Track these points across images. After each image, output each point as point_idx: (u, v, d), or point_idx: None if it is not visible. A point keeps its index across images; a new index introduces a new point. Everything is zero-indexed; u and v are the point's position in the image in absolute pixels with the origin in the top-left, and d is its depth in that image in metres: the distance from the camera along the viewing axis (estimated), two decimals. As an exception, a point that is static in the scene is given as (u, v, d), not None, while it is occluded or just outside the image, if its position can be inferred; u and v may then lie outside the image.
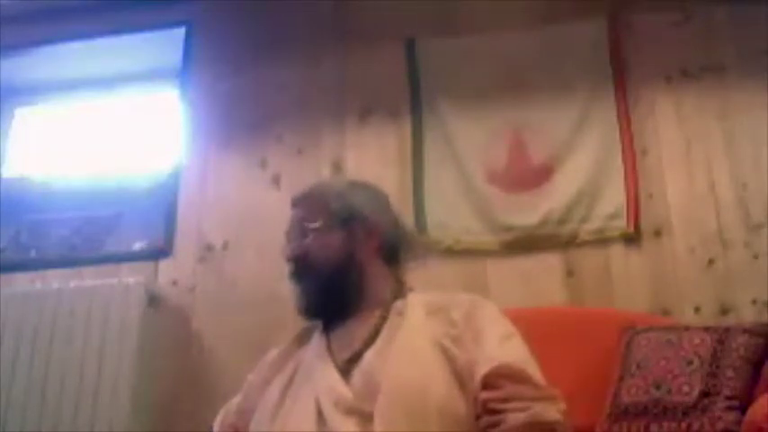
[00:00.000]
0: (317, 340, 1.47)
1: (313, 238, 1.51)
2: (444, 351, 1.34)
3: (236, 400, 1.51)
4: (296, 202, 1.61)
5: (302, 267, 1.51)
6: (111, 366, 2.60)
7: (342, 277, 1.48)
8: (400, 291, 1.51)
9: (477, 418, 1.28)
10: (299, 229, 1.54)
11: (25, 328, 2.70)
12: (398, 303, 1.46)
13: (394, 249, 1.54)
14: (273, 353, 1.55)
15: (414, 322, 1.41)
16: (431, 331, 1.39)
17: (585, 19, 2.84)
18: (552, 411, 1.26)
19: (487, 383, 1.29)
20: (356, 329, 1.43)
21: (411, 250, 1.57)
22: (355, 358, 1.37)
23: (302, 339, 1.53)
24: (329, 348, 1.43)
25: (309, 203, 1.58)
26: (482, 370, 1.30)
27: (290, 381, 1.42)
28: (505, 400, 1.26)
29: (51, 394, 2.59)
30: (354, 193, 1.57)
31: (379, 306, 1.46)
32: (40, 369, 2.63)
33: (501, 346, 1.35)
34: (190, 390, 2.67)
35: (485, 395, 1.28)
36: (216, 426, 1.51)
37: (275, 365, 1.49)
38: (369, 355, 1.36)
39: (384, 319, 1.43)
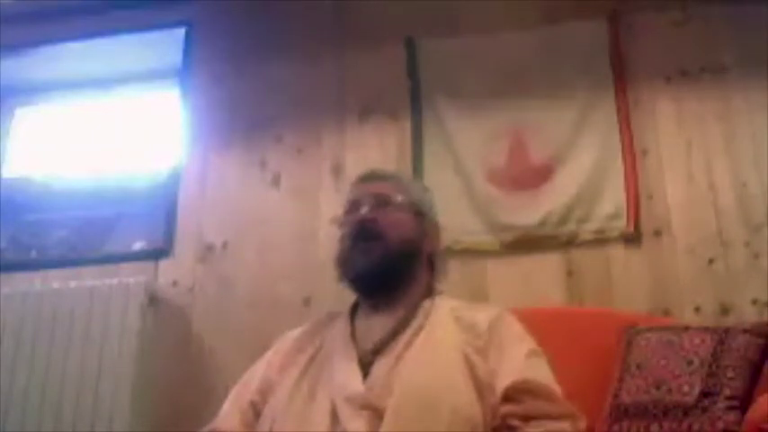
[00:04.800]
0: (342, 327, 1.48)
1: (393, 211, 1.53)
2: (466, 358, 1.34)
3: (255, 380, 1.50)
4: (378, 177, 1.63)
5: (373, 233, 1.50)
6: (111, 366, 2.60)
7: (404, 258, 1.50)
8: (430, 293, 1.53)
9: (495, 430, 1.27)
10: (376, 200, 1.54)
11: (25, 328, 2.69)
12: (426, 303, 1.47)
13: (437, 257, 1.59)
14: (294, 333, 1.55)
15: (438, 325, 1.42)
16: (454, 336, 1.39)
17: (585, 19, 2.84)
18: (568, 430, 1.26)
19: (508, 397, 1.29)
20: (383, 322, 1.44)
21: (444, 264, 1.62)
22: (378, 349, 1.38)
23: (325, 324, 1.53)
24: (353, 336, 1.43)
25: (395, 183, 1.61)
26: (504, 382, 1.30)
27: (309, 365, 1.42)
28: (526, 416, 1.26)
29: (51, 394, 2.59)
30: (428, 196, 1.67)
31: (409, 303, 1.47)
32: (40, 369, 2.63)
33: (524, 362, 1.35)
34: (190, 390, 2.67)
35: (505, 409, 1.28)
36: (228, 401, 1.50)
37: (296, 348, 1.49)
38: (389, 352, 1.36)
39: (412, 316, 1.44)
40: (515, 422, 1.26)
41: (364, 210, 1.52)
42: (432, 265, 1.58)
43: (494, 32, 2.92)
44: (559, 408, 1.30)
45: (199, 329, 2.81)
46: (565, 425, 1.27)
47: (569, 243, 2.62)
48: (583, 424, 1.30)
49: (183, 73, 3.22)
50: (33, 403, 2.59)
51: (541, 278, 2.60)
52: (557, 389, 1.34)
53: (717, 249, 2.50)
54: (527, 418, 1.26)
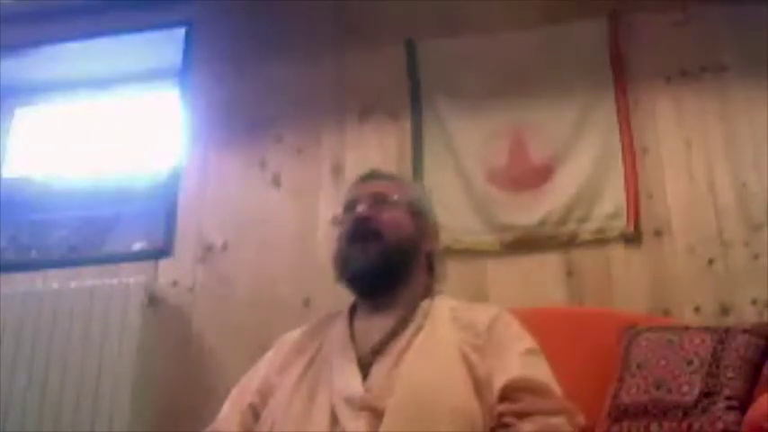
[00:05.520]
0: (341, 327, 1.47)
1: (390, 209, 1.53)
2: (465, 358, 1.34)
3: (254, 382, 1.50)
4: (376, 176, 1.63)
5: (371, 231, 1.50)
6: (111, 366, 2.60)
7: (402, 257, 1.50)
8: (429, 293, 1.53)
9: (493, 430, 1.27)
10: (374, 199, 1.54)
11: (25, 328, 2.69)
12: (425, 303, 1.47)
13: (435, 258, 1.59)
14: (293, 334, 1.55)
15: (438, 325, 1.42)
16: (453, 336, 1.39)
17: (585, 19, 2.84)
18: (565, 426, 1.26)
19: (505, 396, 1.29)
20: (382, 322, 1.44)
21: (443, 264, 1.62)
22: (377, 350, 1.38)
23: (324, 325, 1.53)
24: (352, 337, 1.43)
25: (392, 182, 1.62)
26: (501, 381, 1.30)
27: (308, 366, 1.42)
28: (521, 414, 1.26)
29: (51, 394, 2.59)
30: (427, 196, 1.70)
31: (408, 303, 1.47)
32: (39, 369, 2.63)
33: (521, 360, 1.35)
34: (190, 390, 2.67)
35: (502, 407, 1.28)
36: (228, 403, 1.50)
37: (295, 349, 1.49)
38: (389, 353, 1.36)
39: (411, 316, 1.44)
40: (510, 419, 1.26)
41: (361, 208, 1.52)
42: (430, 265, 1.57)
43: (494, 32, 2.92)
44: (555, 404, 1.30)
45: (199, 329, 2.81)
46: (560, 420, 1.27)
47: (569, 243, 2.62)
48: (580, 420, 1.30)
49: (183, 73, 3.22)
50: (33, 403, 2.58)
51: (541, 278, 2.60)
52: (555, 386, 1.34)
53: (717, 249, 2.49)
54: (522, 415, 1.26)
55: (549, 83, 2.81)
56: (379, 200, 1.53)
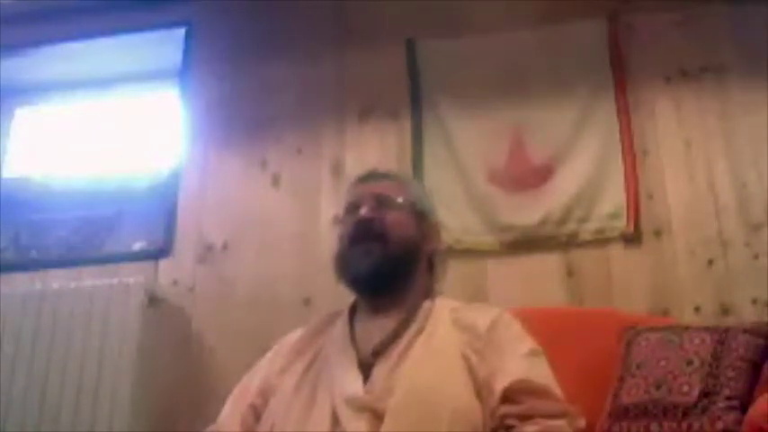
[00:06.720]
0: (341, 329, 1.47)
1: (394, 211, 1.52)
2: (465, 360, 1.34)
3: (255, 382, 1.50)
4: (378, 177, 1.63)
5: (374, 232, 1.49)
6: (111, 366, 2.60)
7: (404, 259, 1.50)
8: (430, 294, 1.53)
9: (493, 431, 1.27)
10: (377, 200, 1.53)
11: (25, 329, 2.69)
12: (426, 305, 1.47)
13: (437, 258, 1.59)
14: (294, 335, 1.55)
15: (438, 327, 1.42)
16: (454, 338, 1.39)
17: (585, 19, 2.84)
18: (566, 429, 1.26)
19: (507, 398, 1.29)
20: (383, 324, 1.44)
21: (444, 264, 1.62)
22: (378, 352, 1.37)
23: (325, 325, 1.53)
24: (353, 338, 1.43)
25: (396, 183, 1.61)
26: (502, 383, 1.30)
27: (309, 367, 1.42)
28: (523, 416, 1.26)
29: (51, 394, 2.59)
30: (428, 196, 1.68)
31: (409, 305, 1.47)
32: (40, 369, 2.63)
33: (523, 362, 1.35)
34: (190, 390, 2.67)
35: (504, 409, 1.28)
36: (229, 403, 1.50)
37: (296, 350, 1.49)
38: (390, 354, 1.36)
39: (412, 317, 1.44)
40: (512, 421, 1.26)
41: (365, 210, 1.51)
42: (431, 267, 1.57)
43: (494, 32, 2.92)
44: (557, 406, 1.30)
45: (199, 329, 2.81)
46: (562, 423, 1.27)
47: (569, 243, 2.62)
48: (581, 423, 1.30)
49: (183, 73, 3.22)
50: (33, 403, 2.58)
51: (541, 278, 2.60)
52: (556, 388, 1.34)
53: (717, 249, 2.50)
54: (524, 418, 1.26)
55: (549, 83, 2.81)
56: (382, 201, 1.53)
